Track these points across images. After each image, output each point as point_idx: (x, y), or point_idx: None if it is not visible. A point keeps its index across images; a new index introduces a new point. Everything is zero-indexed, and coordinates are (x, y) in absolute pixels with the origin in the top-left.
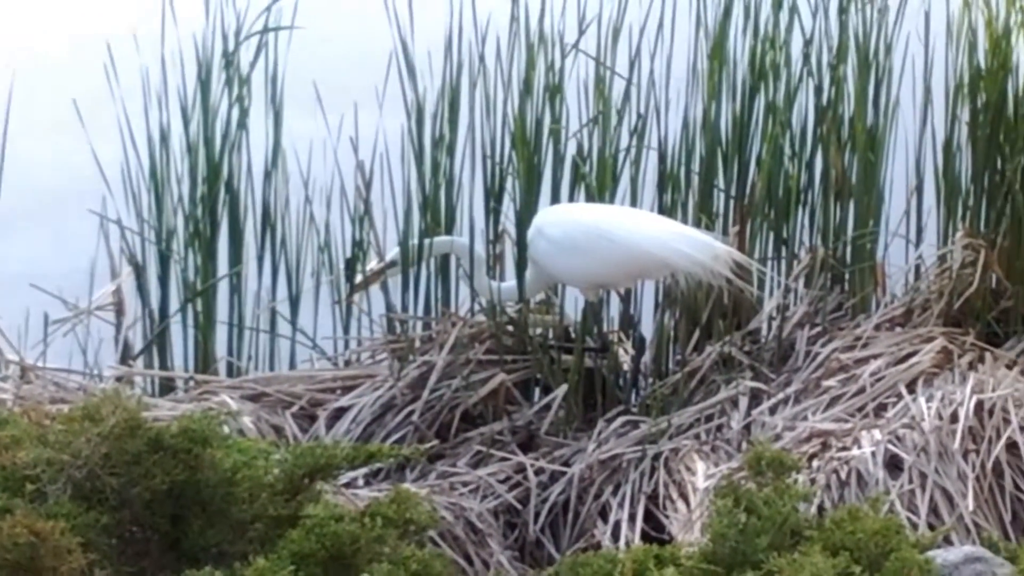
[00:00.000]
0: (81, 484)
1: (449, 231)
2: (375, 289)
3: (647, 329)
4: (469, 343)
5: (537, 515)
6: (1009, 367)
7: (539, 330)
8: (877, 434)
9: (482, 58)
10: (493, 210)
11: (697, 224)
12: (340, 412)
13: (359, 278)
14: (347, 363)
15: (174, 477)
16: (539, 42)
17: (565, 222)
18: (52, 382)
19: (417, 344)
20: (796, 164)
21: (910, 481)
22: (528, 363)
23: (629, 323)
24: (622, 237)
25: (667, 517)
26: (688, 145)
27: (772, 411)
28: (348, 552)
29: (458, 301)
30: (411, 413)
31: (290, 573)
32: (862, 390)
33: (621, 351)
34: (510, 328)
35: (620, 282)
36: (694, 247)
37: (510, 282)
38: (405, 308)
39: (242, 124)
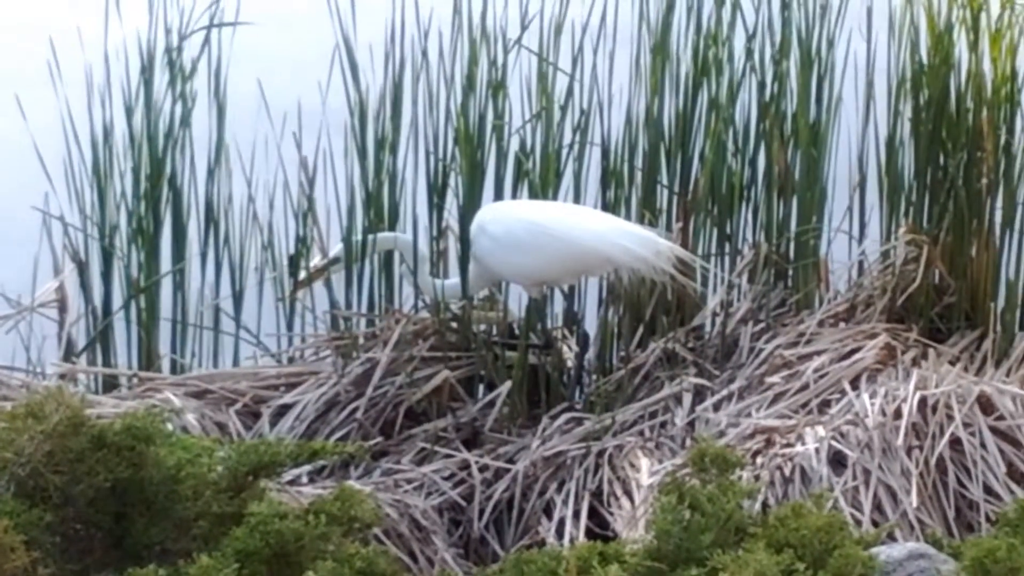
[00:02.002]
0: (24, 482)
1: (392, 227)
2: (319, 286)
3: (591, 326)
4: (413, 340)
5: (482, 512)
6: (952, 363)
7: (483, 327)
8: (821, 430)
9: (424, 54)
10: (436, 206)
11: (640, 220)
12: (284, 409)
13: (303, 274)
14: (291, 360)
15: (117, 475)
16: (481, 38)
17: (507, 219)
18: None
19: (361, 340)
20: (739, 160)
21: (854, 478)
22: (472, 360)
23: (573, 320)
24: (564, 233)
25: (611, 514)
26: (631, 141)
27: (716, 407)
28: (292, 550)
29: (402, 297)
30: (355, 410)
31: (234, 571)
32: (806, 386)
33: (565, 348)
34: (454, 325)
35: (563, 279)
36: (636, 243)
37: (453, 279)
38: (349, 304)
39: (185, 121)
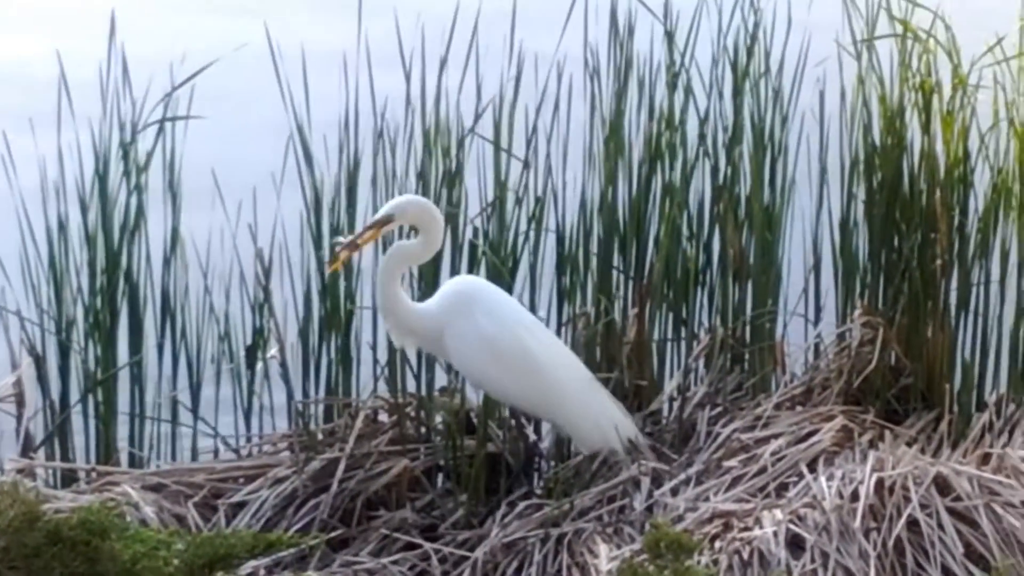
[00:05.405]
0: None
1: (349, 317)
2: (276, 379)
3: None
4: (372, 435)
5: None
6: (909, 444)
7: (440, 416)
8: (779, 514)
9: (380, 138)
10: None
11: (596, 305)
12: (243, 503)
13: (344, 241)
14: (249, 454)
15: (73, 569)
16: (435, 128)
17: (501, 323)
18: None
19: (320, 437)
20: (694, 244)
21: (812, 560)
22: (431, 451)
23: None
24: (554, 385)
25: None
26: (586, 227)
27: (674, 492)
28: None
29: (359, 386)
30: (315, 504)
31: None
32: (763, 470)
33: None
34: (411, 413)
35: (514, 405)
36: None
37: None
38: (306, 394)
39: (140, 213)
